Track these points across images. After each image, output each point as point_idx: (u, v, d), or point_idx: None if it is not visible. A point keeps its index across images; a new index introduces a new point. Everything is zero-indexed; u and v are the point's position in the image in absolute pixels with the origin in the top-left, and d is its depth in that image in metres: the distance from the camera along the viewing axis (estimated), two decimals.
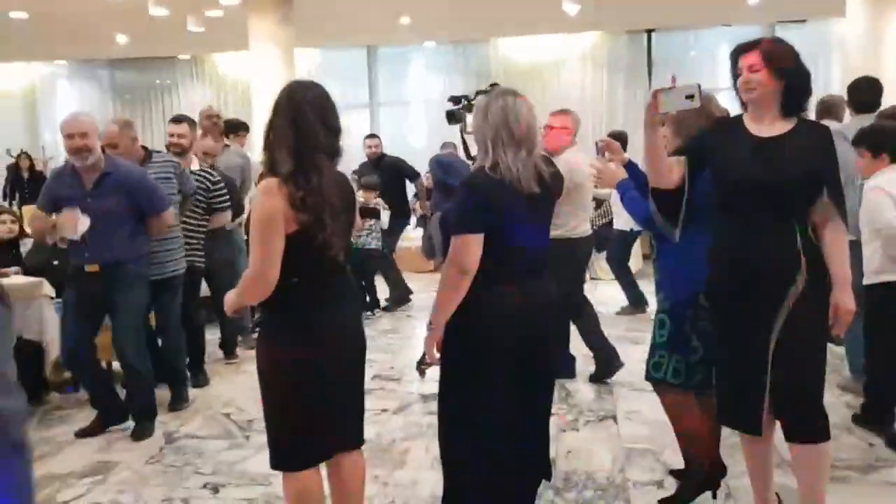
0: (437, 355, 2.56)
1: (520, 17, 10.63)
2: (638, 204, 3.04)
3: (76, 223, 3.76)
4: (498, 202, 2.41)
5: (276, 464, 2.44)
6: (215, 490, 3.40)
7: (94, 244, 3.85)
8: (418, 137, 12.96)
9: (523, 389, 2.53)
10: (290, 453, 2.41)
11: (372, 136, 7.88)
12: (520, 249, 2.46)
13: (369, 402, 4.57)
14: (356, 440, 2.56)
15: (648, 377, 3.05)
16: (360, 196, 7.10)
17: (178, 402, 4.52)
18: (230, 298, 2.44)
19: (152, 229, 4.09)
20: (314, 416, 2.38)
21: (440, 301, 2.48)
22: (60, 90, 14.54)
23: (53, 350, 4.56)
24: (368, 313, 6.93)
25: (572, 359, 4.93)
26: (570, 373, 4.87)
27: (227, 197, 5.10)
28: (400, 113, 13.57)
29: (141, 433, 4.04)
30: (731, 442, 3.16)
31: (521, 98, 2.52)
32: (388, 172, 7.46)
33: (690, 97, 2.50)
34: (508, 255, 2.44)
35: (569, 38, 12.49)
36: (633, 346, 5.27)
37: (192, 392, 4.72)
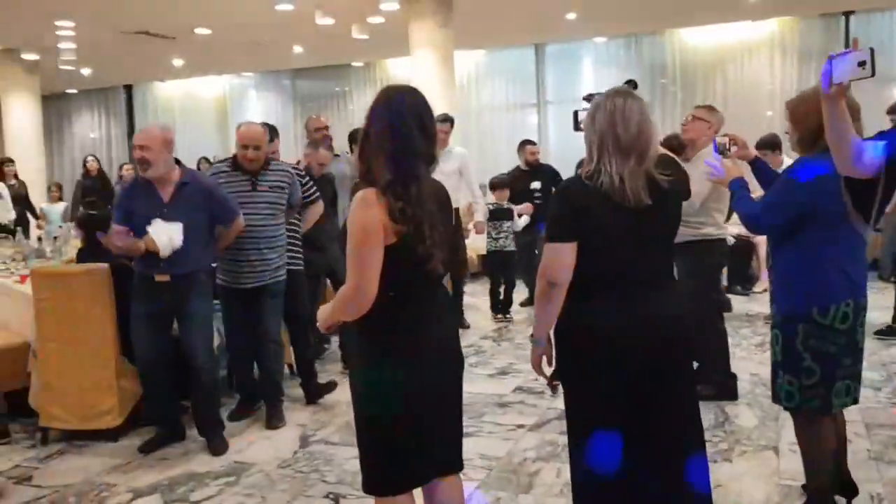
0: (547, 370, 2.44)
1: (698, 5, 9.97)
2: (745, 203, 2.82)
3: (170, 240, 3.78)
4: (591, 212, 2.24)
5: (368, 487, 2.31)
6: (336, 501, 3.35)
7: (170, 255, 3.85)
8: None
9: (636, 411, 2.28)
10: (382, 477, 2.27)
11: (531, 142, 7.69)
12: (619, 262, 2.27)
13: (506, 418, 4.55)
14: (454, 464, 2.37)
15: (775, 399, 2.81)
16: (493, 197, 6.95)
17: (273, 420, 4.36)
18: (324, 312, 2.34)
19: (228, 237, 4.11)
20: (408, 440, 2.22)
21: (536, 313, 2.40)
22: (248, 99, 15.57)
23: None
24: (499, 315, 7.07)
25: (733, 378, 4.46)
26: (730, 394, 4.40)
27: (316, 188, 4.91)
28: (569, 112, 13.22)
29: (218, 448, 3.97)
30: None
31: (634, 99, 2.29)
32: (544, 177, 7.31)
33: (862, 64, 2.11)
34: (605, 267, 2.28)
35: (754, 24, 11.58)
36: None
37: (334, 396, 4.72)
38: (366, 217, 2.12)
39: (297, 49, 11.84)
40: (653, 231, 2.32)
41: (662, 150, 2.59)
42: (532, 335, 2.43)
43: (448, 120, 6.37)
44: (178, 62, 12.70)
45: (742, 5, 9.72)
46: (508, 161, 8.64)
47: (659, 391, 2.29)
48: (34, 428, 4.24)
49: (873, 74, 2.15)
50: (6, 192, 8.41)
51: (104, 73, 13.71)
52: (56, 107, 16.09)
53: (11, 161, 9.20)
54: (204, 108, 15.81)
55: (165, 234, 3.79)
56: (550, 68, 13.26)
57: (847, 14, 11.17)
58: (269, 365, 4.41)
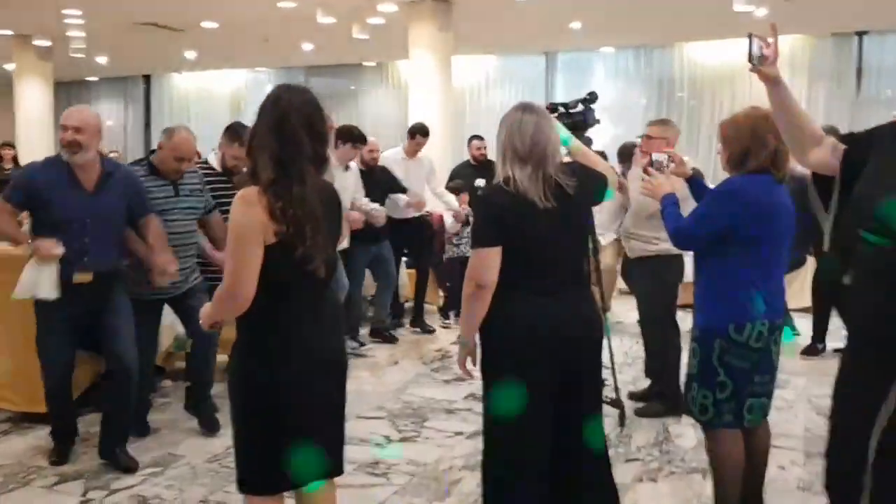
0: (473, 369, 2.61)
1: (704, 20, 9.87)
2: (673, 218, 2.86)
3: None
4: (511, 216, 2.42)
5: (240, 485, 2.31)
6: None
7: (94, 251, 3.56)
8: (595, 145, 12.51)
9: (547, 404, 2.49)
10: (254, 475, 2.27)
11: (478, 137, 7.28)
12: (539, 262, 2.46)
13: (448, 424, 4.53)
14: (331, 470, 2.37)
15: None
16: (455, 201, 6.76)
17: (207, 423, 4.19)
18: (205, 310, 2.35)
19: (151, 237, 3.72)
20: (282, 441, 2.22)
21: (463, 314, 2.56)
22: (263, 95, 15.60)
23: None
24: (449, 321, 6.90)
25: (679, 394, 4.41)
26: (675, 410, 4.35)
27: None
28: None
29: (130, 463, 3.66)
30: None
31: (532, 113, 2.48)
32: (490, 175, 7.16)
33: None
34: (526, 268, 2.45)
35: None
36: None
37: None
38: (245, 215, 2.12)
39: (307, 46, 11.91)
40: (565, 234, 2.49)
41: (568, 160, 2.63)
42: (459, 335, 2.61)
43: (426, 133, 6.52)
44: (190, 55, 12.84)
45: (751, 21, 9.60)
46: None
47: (570, 386, 2.50)
48: None
49: (749, 60, 2.19)
50: None
51: (121, 61, 13.90)
52: (76, 93, 16.37)
53: (11, 145, 9.30)
54: (219, 102, 15.96)
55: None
56: (561, 77, 13.22)
57: (860, 34, 11.01)
58: (199, 366, 4.19)
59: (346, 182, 5.38)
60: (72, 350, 3.67)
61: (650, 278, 4.34)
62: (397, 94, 14.13)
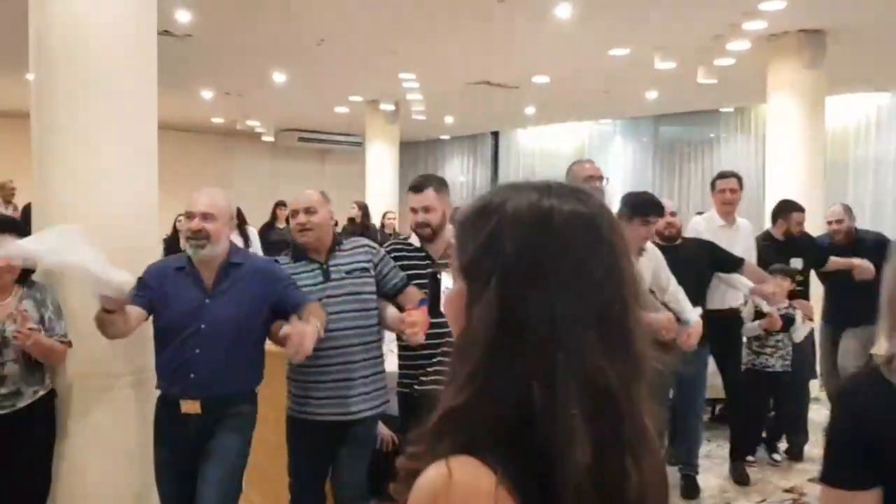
0: None
1: None
2: None
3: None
4: None
5: None
6: None
7: (203, 368, 2.84)
8: None
9: None
10: None
11: (796, 207, 5.32)
12: None
13: None
14: None
15: None
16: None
17: None
18: None
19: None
20: None
21: None
22: (607, 147, 14.74)
23: None
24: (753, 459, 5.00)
25: None
26: None
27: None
28: None
29: None
30: None
31: None
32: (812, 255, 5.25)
33: None
34: None
35: None
36: None
37: None
38: None
39: (651, 94, 10.72)
40: None
41: None
42: None
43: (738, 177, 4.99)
44: (529, 110, 12.42)
45: None
46: None
47: None
48: None
49: None
50: (255, 237, 8.34)
51: (468, 120, 14.04)
52: (423, 153, 17.11)
53: (284, 204, 9.45)
54: (561, 156, 15.39)
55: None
56: None
57: None
58: None
59: (642, 273, 3.85)
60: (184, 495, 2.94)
61: None
62: (755, 142, 12.22)
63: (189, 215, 2.89)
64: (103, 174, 3.28)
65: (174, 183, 5.96)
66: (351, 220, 10.25)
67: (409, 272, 3.31)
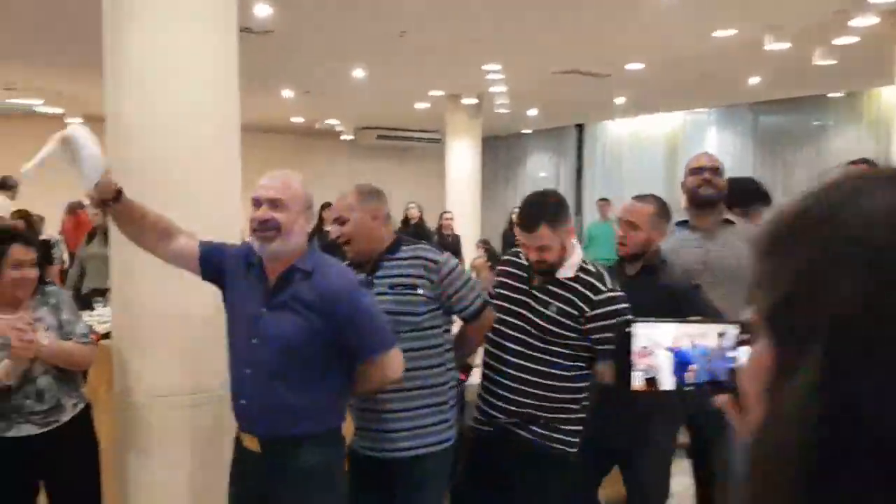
0: None
1: None
2: None
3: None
4: None
5: None
6: None
7: (257, 397, 2.36)
8: None
9: None
10: None
11: None
12: None
13: None
14: None
15: None
16: None
17: None
18: None
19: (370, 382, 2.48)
20: None
21: None
22: (702, 137, 13.92)
23: None
24: None
25: None
26: None
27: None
28: None
29: None
30: None
31: None
32: None
33: None
34: None
35: None
36: None
37: None
38: None
39: (754, 80, 9.96)
40: None
41: None
42: None
43: None
44: (619, 100, 11.79)
45: None
46: None
47: None
48: None
49: None
50: None
51: (552, 112, 13.50)
52: (505, 147, 16.57)
53: (330, 205, 9.07)
54: (653, 147, 14.64)
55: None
56: None
57: None
58: None
59: None
60: None
61: None
62: (878, 129, 11.25)
63: (256, 202, 2.35)
64: (187, 180, 3.03)
65: (255, 185, 5.68)
66: (405, 220, 9.78)
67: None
